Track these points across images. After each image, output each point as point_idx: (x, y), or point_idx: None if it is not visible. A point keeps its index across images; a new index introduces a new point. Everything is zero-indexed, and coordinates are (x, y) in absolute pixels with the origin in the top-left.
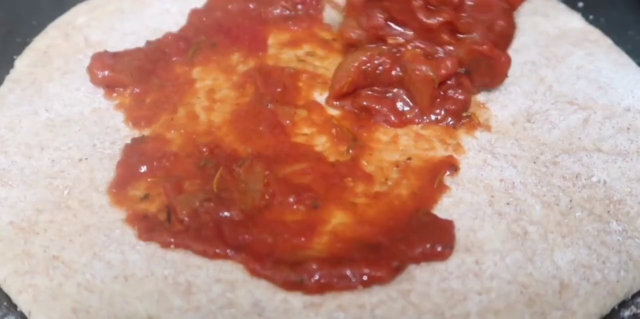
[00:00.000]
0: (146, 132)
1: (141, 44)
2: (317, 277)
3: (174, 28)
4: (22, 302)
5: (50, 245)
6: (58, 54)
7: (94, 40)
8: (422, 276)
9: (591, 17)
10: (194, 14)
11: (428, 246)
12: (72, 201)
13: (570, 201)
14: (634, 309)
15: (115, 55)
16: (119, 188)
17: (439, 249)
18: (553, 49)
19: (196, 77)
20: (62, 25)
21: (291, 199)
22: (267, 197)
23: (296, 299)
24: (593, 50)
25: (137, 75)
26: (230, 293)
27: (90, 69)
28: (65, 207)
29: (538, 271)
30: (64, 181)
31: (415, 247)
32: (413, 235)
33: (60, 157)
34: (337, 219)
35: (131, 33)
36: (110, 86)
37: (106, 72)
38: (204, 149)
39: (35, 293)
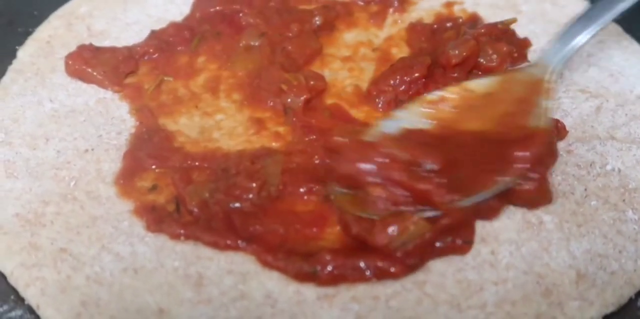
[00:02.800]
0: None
1: (145, 33)
2: (330, 268)
3: (178, 17)
4: (30, 295)
5: (58, 237)
6: (61, 43)
7: (97, 29)
8: (437, 267)
9: None
10: (198, 3)
11: (448, 240)
12: (78, 192)
13: (585, 189)
14: None
15: (99, 50)
16: (126, 179)
17: (459, 243)
18: None
19: (201, 67)
20: (64, 15)
21: (302, 190)
22: (280, 187)
23: (309, 291)
24: (603, 37)
25: (110, 73)
26: (242, 284)
27: (67, 59)
28: (72, 199)
29: (554, 261)
30: (70, 172)
31: (433, 240)
32: None
33: (66, 148)
34: None
35: (135, 22)
36: (83, 79)
37: (79, 65)
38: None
39: (43, 286)
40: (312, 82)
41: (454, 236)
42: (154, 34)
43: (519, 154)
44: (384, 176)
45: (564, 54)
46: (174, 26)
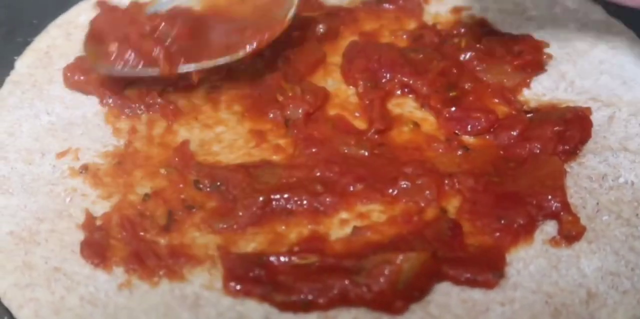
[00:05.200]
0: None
1: None
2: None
3: None
4: (23, 317)
5: (52, 256)
6: (60, 54)
7: None
8: (440, 286)
9: (613, 9)
10: None
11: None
12: (74, 209)
13: (597, 203)
14: None
15: None
16: None
17: (490, 277)
18: (574, 43)
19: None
20: (63, 24)
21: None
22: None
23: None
24: (616, 43)
25: (108, 86)
26: (240, 305)
27: (65, 71)
28: (67, 216)
29: (563, 279)
30: (66, 187)
31: (461, 271)
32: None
33: (62, 163)
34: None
35: None
36: (82, 92)
37: (77, 77)
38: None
39: (37, 307)
40: (308, 97)
41: (484, 268)
42: None
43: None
44: (124, 36)
45: None
46: None
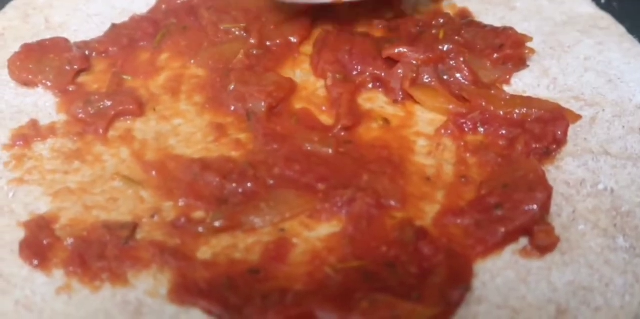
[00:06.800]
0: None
1: (107, 26)
2: None
3: (144, 9)
4: None
5: None
6: (15, 37)
7: (56, 22)
8: None
9: (603, 1)
10: None
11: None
12: (16, 204)
13: (574, 211)
14: None
15: (44, 50)
16: None
17: (456, 293)
18: (559, 37)
19: (162, 65)
20: (21, 6)
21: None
22: None
23: None
24: (603, 39)
25: (57, 77)
26: (185, 314)
27: (9, 63)
28: (9, 212)
29: (532, 293)
30: (9, 181)
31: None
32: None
33: (7, 155)
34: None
35: (96, 14)
36: (28, 85)
37: (23, 72)
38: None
39: None
40: (271, 88)
41: (451, 282)
42: (114, 28)
43: None
44: None
45: None
46: (136, 20)
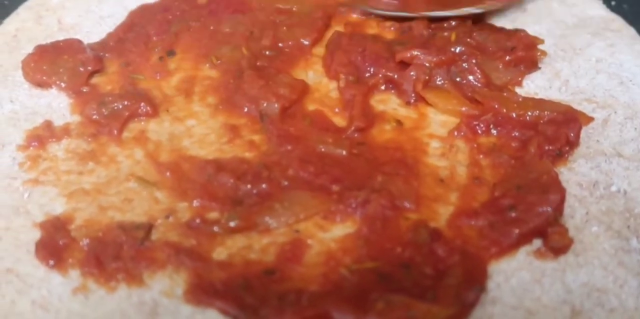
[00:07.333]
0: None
1: None
2: None
3: None
4: None
5: (5, 256)
6: (28, 38)
7: (68, 23)
8: None
9: (613, 3)
10: None
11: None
12: (32, 205)
13: (587, 213)
14: None
15: (57, 51)
16: None
17: (471, 294)
18: (570, 40)
19: (175, 66)
20: (34, 6)
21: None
22: None
23: None
24: (614, 41)
25: (70, 78)
26: (201, 314)
27: (23, 64)
28: (24, 212)
29: (547, 294)
30: (25, 182)
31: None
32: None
33: (23, 156)
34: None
35: (109, 15)
36: (42, 86)
37: (37, 73)
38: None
39: None
40: (283, 90)
41: (466, 283)
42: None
43: None
44: None
45: None
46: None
